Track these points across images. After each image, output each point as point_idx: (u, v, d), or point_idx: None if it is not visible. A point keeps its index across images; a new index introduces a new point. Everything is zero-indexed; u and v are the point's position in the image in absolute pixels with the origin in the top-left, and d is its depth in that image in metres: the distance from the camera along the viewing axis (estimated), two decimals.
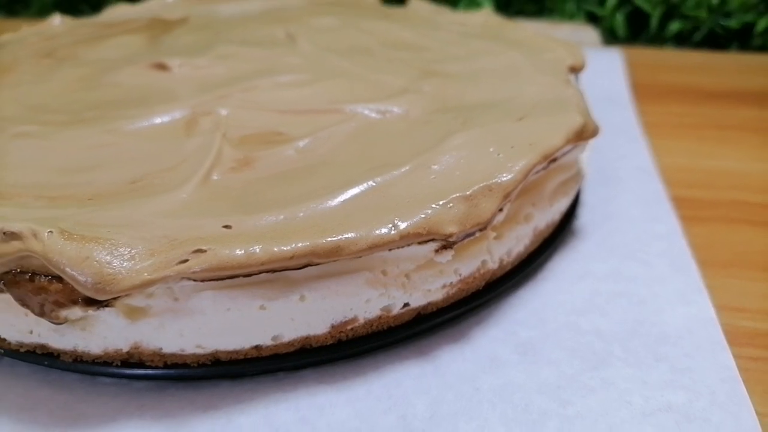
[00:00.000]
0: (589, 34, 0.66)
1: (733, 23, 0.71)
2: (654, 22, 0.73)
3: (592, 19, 0.75)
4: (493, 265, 0.27)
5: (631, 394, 0.23)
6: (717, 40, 0.74)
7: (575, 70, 0.37)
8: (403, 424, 0.22)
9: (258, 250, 0.21)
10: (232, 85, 0.33)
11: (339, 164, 0.27)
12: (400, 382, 0.24)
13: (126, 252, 0.21)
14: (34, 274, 0.22)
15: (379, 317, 0.25)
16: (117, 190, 0.25)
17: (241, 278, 0.22)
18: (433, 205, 0.24)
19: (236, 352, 0.24)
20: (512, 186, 0.25)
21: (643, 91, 0.54)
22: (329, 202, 0.24)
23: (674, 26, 0.73)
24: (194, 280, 0.22)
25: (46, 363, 0.24)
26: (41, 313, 0.22)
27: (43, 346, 0.24)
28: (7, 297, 0.23)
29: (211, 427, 0.22)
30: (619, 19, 0.74)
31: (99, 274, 0.21)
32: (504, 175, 0.25)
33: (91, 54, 0.40)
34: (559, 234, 0.31)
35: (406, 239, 0.23)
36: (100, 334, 0.23)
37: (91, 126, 0.30)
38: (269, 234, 0.22)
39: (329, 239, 0.22)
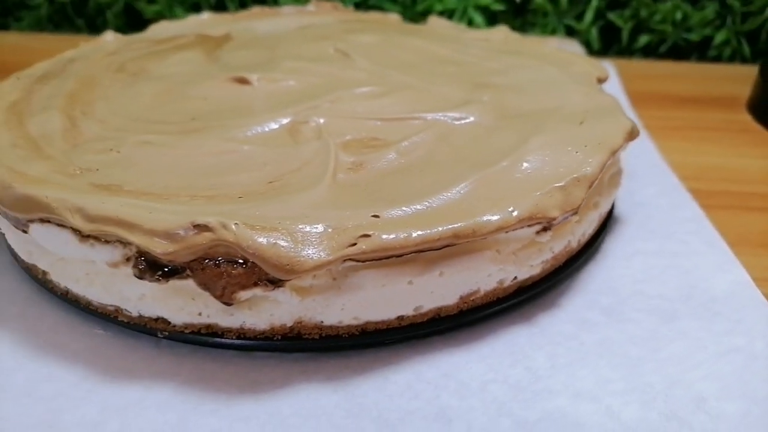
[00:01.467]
0: (575, 47, 0.73)
1: (694, 36, 0.80)
2: (625, 35, 0.81)
3: (569, 32, 0.82)
4: (574, 243, 0.32)
5: (703, 340, 0.28)
6: (679, 52, 0.83)
7: (601, 80, 0.43)
8: (530, 373, 0.27)
9: (412, 234, 0.26)
10: (319, 97, 0.37)
11: (439, 163, 0.32)
12: (515, 342, 0.29)
13: (303, 239, 0.25)
14: (218, 260, 0.26)
15: (494, 289, 0.29)
16: (260, 189, 0.29)
17: (394, 258, 0.26)
18: (538, 194, 0.29)
19: (382, 322, 0.28)
20: (594, 177, 0.30)
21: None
22: (452, 193, 0.28)
23: (643, 39, 0.81)
24: (358, 261, 0.26)
25: (210, 342, 0.27)
26: (221, 295, 0.26)
27: (209, 326, 0.27)
28: (179, 283, 0.26)
29: (373, 385, 0.26)
30: (594, 33, 0.81)
31: (287, 257, 0.25)
32: (587, 168, 0.30)
33: (160, 69, 0.43)
34: (608, 221, 0.36)
35: (521, 222, 0.28)
36: (268, 311, 0.27)
37: (207, 135, 0.33)
38: (414, 221, 0.27)
39: (465, 224, 0.27)
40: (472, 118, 0.36)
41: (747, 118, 0.61)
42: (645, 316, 0.30)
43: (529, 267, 0.30)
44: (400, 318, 0.28)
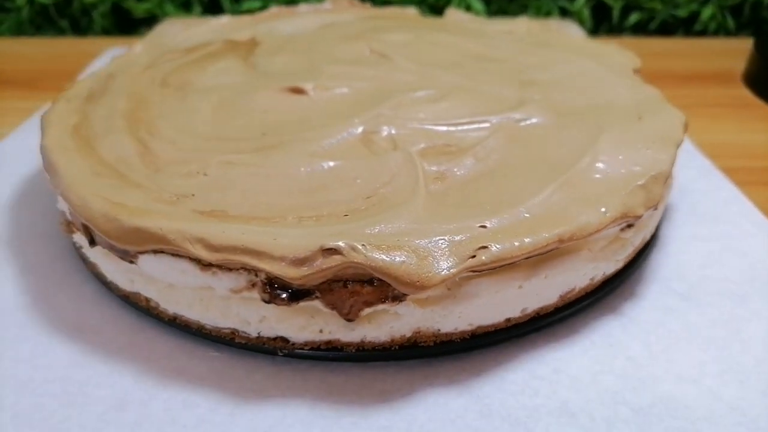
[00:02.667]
0: (576, 29, 0.75)
1: (681, 12, 0.83)
2: (616, 13, 0.84)
3: (563, 13, 0.84)
4: (648, 235, 0.34)
5: None
6: (667, 28, 0.86)
7: (636, 71, 0.45)
8: (632, 362, 0.29)
9: (524, 242, 0.27)
10: (379, 104, 0.38)
11: (518, 167, 0.33)
12: (611, 334, 0.31)
13: (426, 255, 0.26)
14: (346, 281, 0.27)
15: (587, 285, 0.31)
16: (361, 206, 0.30)
17: (506, 266, 0.28)
18: (624, 193, 0.30)
19: (492, 325, 0.29)
20: (668, 173, 0.32)
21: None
22: (543, 199, 0.30)
23: (633, 17, 0.83)
24: (476, 271, 0.27)
25: (331, 356, 0.29)
26: (347, 313, 0.27)
27: (329, 342, 0.29)
28: (308, 304, 0.27)
29: (493, 385, 0.28)
30: (586, 13, 0.83)
31: (416, 274, 0.26)
32: (661, 165, 0.32)
33: (203, 80, 0.43)
34: None
35: (614, 222, 0.29)
36: (388, 324, 0.28)
37: (287, 151, 0.33)
38: (520, 228, 0.28)
39: (567, 228, 0.28)
40: (535, 119, 0.37)
41: (746, 93, 0.64)
42: (718, 299, 0.32)
43: (615, 261, 0.32)
44: (508, 320, 0.30)
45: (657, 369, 0.29)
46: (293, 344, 0.29)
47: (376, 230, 0.28)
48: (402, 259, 0.26)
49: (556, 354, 0.30)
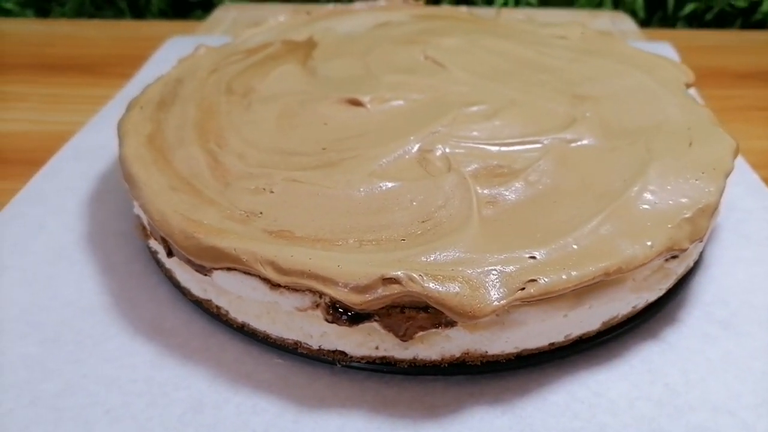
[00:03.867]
0: (627, 23, 0.74)
1: (741, 2, 0.80)
2: (670, 3, 0.82)
3: (616, 3, 0.82)
4: (692, 263, 0.35)
5: None
6: (725, 19, 0.84)
7: (688, 86, 0.45)
8: (669, 390, 0.31)
9: (571, 275, 0.29)
10: (434, 121, 0.39)
11: (567, 193, 0.34)
12: (650, 359, 0.32)
13: (478, 285, 0.28)
14: (403, 307, 0.29)
15: (629, 312, 0.33)
16: (418, 230, 0.32)
17: (553, 297, 0.29)
18: (669, 226, 0.32)
19: (537, 348, 0.31)
20: (715, 206, 0.33)
21: None
22: (591, 230, 0.31)
23: (689, 6, 0.82)
24: (525, 301, 0.29)
25: (385, 369, 0.31)
26: (402, 335, 0.29)
27: (384, 358, 0.31)
28: (367, 325, 0.30)
29: (535, 406, 0.30)
30: (640, 2, 0.82)
31: (469, 305, 0.28)
32: (708, 198, 0.33)
33: (266, 87, 0.45)
34: None
35: (659, 255, 0.31)
36: (440, 345, 0.30)
37: (348, 169, 0.35)
38: (568, 261, 0.30)
39: (613, 261, 0.30)
40: (585, 141, 0.38)
41: None
42: (758, 329, 0.34)
43: (658, 290, 0.33)
44: (551, 344, 0.32)
45: (693, 398, 0.30)
46: (351, 357, 0.31)
47: (432, 258, 0.30)
48: (456, 290, 0.28)
49: (597, 377, 0.31)
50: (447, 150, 0.37)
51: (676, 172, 0.35)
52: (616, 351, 0.33)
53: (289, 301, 0.30)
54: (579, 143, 0.38)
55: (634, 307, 0.33)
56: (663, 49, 0.63)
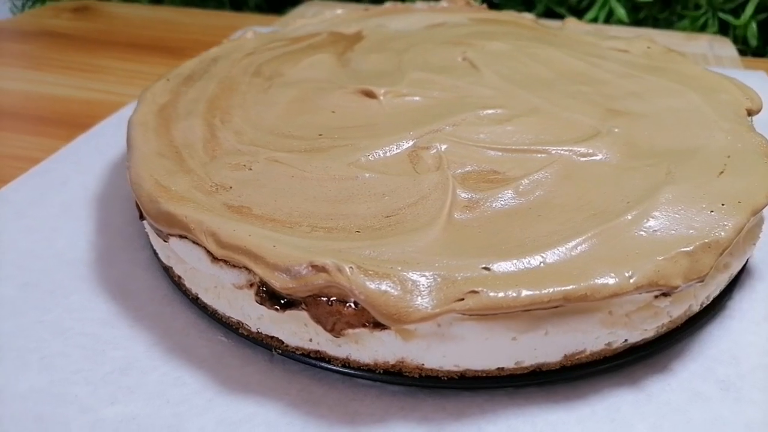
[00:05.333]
0: (726, 48, 0.66)
1: None
2: None
3: (723, 28, 0.75)
4: (696, 307, 0.30)
5: None
6: None
7: (752, 113, 0.39)
8: None
9: (521, 293, 0.26)
10: (441, 119, 0.37)
11: (559, 207, 0.31)
12: (618, 407, 0.28)
13: (413, 288, 0.26)
14: (330, 299, 0.27)
15: (602, 350, 0.29)
16: (377, 224, 0.30)
17: (501, 314, 0.26)
18: (660, 259, 0.27)
19: (482, 371, 0.28)
20: (727, 243, 0.28)
21: None
22: (567, 249, 0.28)
23: None
24: (464, 314, 0.26)
25: (318, 365, 0.29)
26: (331, 329, 0.28)
27: (318, 352, 0.29)
28: (296, 313, 0.28)
29: (470, 431, 0.27)
30: (753, 28, 0.73)
31: (395, 307, 0.25)
32: (720, 233, 0.28)
33: (293, 73, 0.45)
34: (740, 274, 0.34)
35: (639, 290, 0.27)
36: (373, 348, 0.28)
37: (333, 156, 0.34)
38: (525, 278, 0.26)
39: (578, 286, 0.26)
40: (599, 156, 0.34)
41: None
42: (765, 397, 0.28)
43: (642, 331, 0.29)
44: (500, 369, 0.28)
45: None
46: (287, 346, 0.30)
47: (376, 253, 0.28)
48: (385, 289, 0.26)
49: (548, 416, 0.28)
50: (443, 149, 0.35)
51: (691, 199, 0.30)
52: (582, 391, 0.29)
53: (227, 276, 0.29)
54: (592, 158, 0.34)
55: (607, 345, 0.28)
56: (755, 78, 0.56)
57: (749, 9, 0.72)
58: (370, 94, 0.40)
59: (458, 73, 0.43)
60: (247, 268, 0.28)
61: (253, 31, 0.52)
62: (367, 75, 0.44)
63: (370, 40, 0.51)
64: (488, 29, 0.52)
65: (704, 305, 0.31)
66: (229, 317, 0.31)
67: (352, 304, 0.27)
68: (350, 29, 0.53)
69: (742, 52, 0.70)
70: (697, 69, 0.44)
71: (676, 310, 0.29)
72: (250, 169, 0.34)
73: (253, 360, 0.30)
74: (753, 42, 0.73)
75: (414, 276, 0.26)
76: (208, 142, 0.37)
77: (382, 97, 0.40)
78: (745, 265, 0.35)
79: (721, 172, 0.32)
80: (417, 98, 0.40)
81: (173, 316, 0.33)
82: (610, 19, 0.73)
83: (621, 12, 0.72)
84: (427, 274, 0.26)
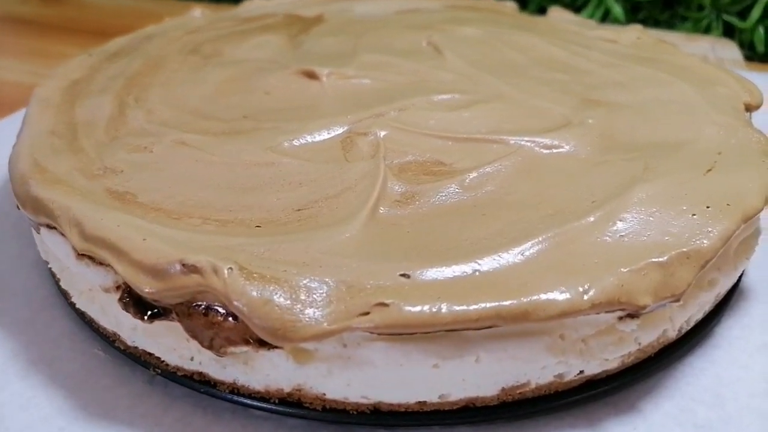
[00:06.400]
0: (730, 50, 0.61)
1: None
2: None
3: (728, 30, 0.69)
4: (672, 333, 0.24)
5: None
6: None
7: (751, 108, 0.34)
8: None
9: (443, 309, 0.20)
10: (387, 103, 0.32)
11: (510, 205, 0.25)
12: None
13: (305, 298, 0.20)
14: (208, 308, 0.22)
15: (551, 383, 0.23)
16: (284, 217, 0.25)
17: (418, 334, 0.21)
18: (625, 271, 0.22)
19: (399, 405, 0.23)
20: (711, 254, 0.23)
21: None
22: (511, 255, 0.22)
23: None
24: (370, 333, 0.21)
25: (202, 390, 0.24)
26: (209, 347, 0.22)
27: (201, 374, 0.24)
28: (170, 324, 0.23)
29: None
30: (761, 33, 0.68)
31: (279, 320, 0.20)
32: (702, 240, 0.23)
33: (235, 52, 0.40)
34: (731, 295, 0.28)
35: (596, 308, 0.21)
36: (263, 371, 0.23)
37: (251, 140, 0.29)
38: (451, 289, 0.21)
39: (516, 302, 0.21)
40: (566, 147, 0.29)
41: None
42: None
43: (603, 361, 0.23)
44: (421, 403, 0.23)
45: None
46: (166, 364, 0.24)
47: (271, 253, 0.22)
48: (270, 297, 0.20)
49: None
50: (382, 135, 0.29)
51: (669, 200, 0.25)
52: (525, 430, 0.23)
53: (93, 276, 0.24)
54: (558, 150, 0.29)
55: (558, 377, 0.23)
56: (761, 79, 0.50)
57: (756, 11, 0.66)
58: (312, 75, 0.35)
59: (419, 57, 0.38)
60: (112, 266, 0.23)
61: (200, 9, 0.47)
62: (316, 56, 0.39)
63: (329, 24, 0.45)
64: (463, 15, 0.47)
65: (683, 331, 0.25)
66: (105, 328, 0.26)
67: (234, 316, 0.21)
68: (311, 12, 0.48)
69: (749, 59, 0.65)
70: (691, 60, 0.38)
71: (647, 336, 0.23)
72: (151, 152, 0.29)
73: (130, 380, 0.25)
74: (760, 48, 0.68)
75: (310, 282, 0.21)
76: (113, 120, 0.32)
77: (324, 78, 0.35)
78: (737, 283, 0.29)
79: (709, 170, 0.26)
80: (365, 81, 0.35)
81: (49, 322, 0.28)
82: (606, 18, 0.68)
83: (618, 11, 0.66)
84: (328, 279, 0.21)
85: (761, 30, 0.66)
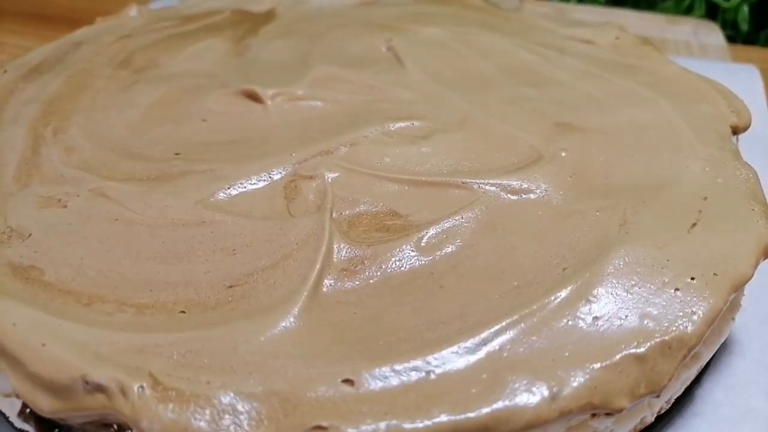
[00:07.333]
0: (713, 35, 0.58)
1: None
2: None
3: (711, 9, 0.66)
4: (650, 419, 0.22)
5: None
6: None
7: (738, 131, 0.31)
8: None
9: (391, 428, 0.17)
10: (338, 134, 0.28)
11: (472, 274, 0.22)
12: None
13: (230, 420, 0.18)
14: (120, 428, 0.19)
15: None
16: (213, 298, 0.21)
17: None
18: (599, 367, 0.19)
19: None
20: (695, 341, 0.20)
21: None
22: (470, 348, 0.19)
23: None
24: None
25: None
26: None
27: None
28: None
29: None
30: (744, 12, 0.65)
31: None
32: (686, 326, 0.20)
33: (172, 64, 0.35)
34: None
35: (566, 416, 0.18)
36: None
37: (180, 191, 0.25)
38: (401, 400, 0.18)
39: (475, 414, 0.18)
40: (536, 192, 0.26)
41: None
42: None
43: None
44: None
45: None
46: None
47: (191, 355, 0.19)
48: (188, 422, 0.17)
49: None
50: (330, 179, 0.26)
51: (649, 270, 0.22)
52: None
53: None
54: (528, 197, 0.26)
55: None
56: (744, 73, 0.47)
57: None
58: (255, 97, 0.31)
59: (377, 67, 0.34)
60: None
61: (137, 7, 0.42)
62: (262, 68, 0.35)
63: (281, 21, 0.41)
64: (427, 10, 0.43)
65: (663, 411, 0.23)
66: (13, 424, 0.23)
67: None
68: (262, 6, 0.43)
69: (732, 39, 0.62)
70: (674, 68, 0.35)
71: (623, 428, 0.21)
72: (65, 207, 0.25)
73: None
74: (743, 26, 0.65)
75: (236, 400, 0.18)
76: (25, 163, 0.28)
77: (269, 102, 0.31)
78: None
79: (694, 225, 0.24)
80: (317, 103, 0.31)
81: None
82: (583, 0, 0.64)
83: None
84: (258, 392, 0.18)
85: (745, 9, 0.63)
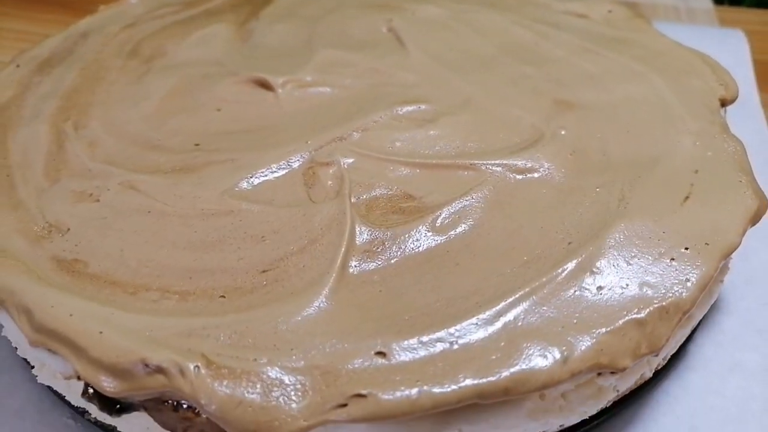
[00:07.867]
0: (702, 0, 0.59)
1: None
2: None
3: None
4: (649, 374, 0.25)
5: None
6: None
7: (726, 103, 0.33)
8: None
9: (422, 395, 0.20)
10: (349, 120, 0.30)
11: (483, 251, 0.24)
12: None
13: (279, 392, 0.20)
14: (178, 403, 0.21)
15: None
16: (248, 284, 0.23)
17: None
18: (605, 331, 0.21)
19: None
20: (689, 305, 0.22)
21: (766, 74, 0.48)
22: (487, 319, 0.22)
23: None
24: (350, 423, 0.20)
25: None
26: None
27: None
28: (138, 414, 0.22)
29: None
30: None
31: (254, 422, 0.19)
32: (681, 292, 0.22)
33: (179, 52, 0.36)
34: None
35: (576, 376, 0.21)
36: None
37: (205, 182, 0.27)
38: (430, 368, 0.20)
39: (496, 378, 0.20)
40: (540, 172, 0.27)
41: None
42: None
43: (581, 413, 0.23)
44: None
45: None
46: None
47: (238, 334, 0.21)
48: (242, 396, 0.19)
49: None
50: (345, 165, 0.28)
51: (647, 242, 0.24)
52: None
53: (52, 363, 0.23)
54: (532, 176, 0.27)
55: None
56: (732, 39, 0.49)
57: None
58: (265, 85, 0.33)
59: (379, 50, 0.36)
60: None
61: None
62: (267, 54, 0.36)
63: (280, 3, 0.42)
64: None
65: (660, 367, 0.25)
66: (71, 403, 0.25)
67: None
68: None
69: (718, 1, 0.63)
70: (664, 42, 0.37)
71: (625, 384, 0.24)
72: (98, 201, 0.27)
73: None
74: None
75: (282, 374, 0.20)
76: (53, 158, 0.29)
77: (279, 90, 0.32)
78: None
79: (686, 198, 0.26)
80: (325, 89, 0.33)
81: (10, 390, 0.26)
82: None
83: None
84: (300, 367, 0.20)
85: None
